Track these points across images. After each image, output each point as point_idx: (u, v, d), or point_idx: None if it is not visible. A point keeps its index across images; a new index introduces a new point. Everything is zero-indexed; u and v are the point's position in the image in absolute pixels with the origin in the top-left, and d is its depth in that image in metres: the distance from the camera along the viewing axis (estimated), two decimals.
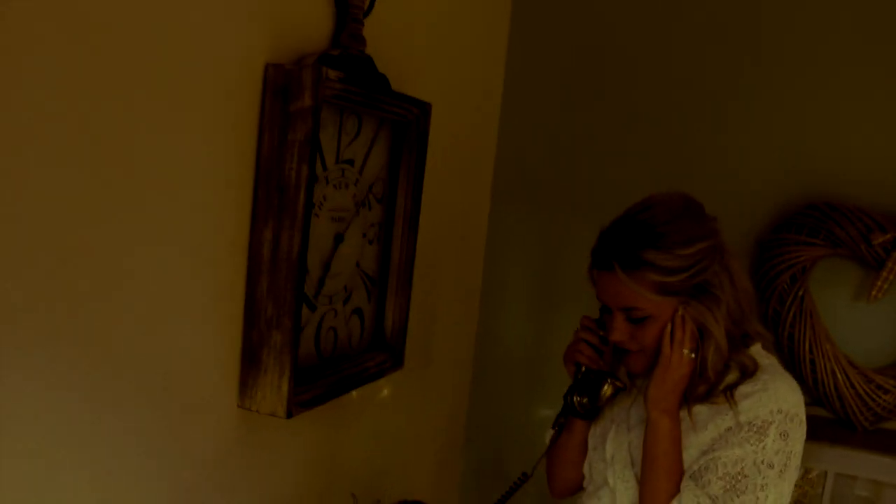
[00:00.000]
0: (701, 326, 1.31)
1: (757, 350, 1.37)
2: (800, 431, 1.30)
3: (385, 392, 1.75)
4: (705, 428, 1.31)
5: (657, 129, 2.13)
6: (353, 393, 1.60)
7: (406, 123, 1.55)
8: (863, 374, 1.87)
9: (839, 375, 1.86)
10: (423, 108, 1.55)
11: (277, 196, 1.22)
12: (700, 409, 1.33)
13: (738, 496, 1.25)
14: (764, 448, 1.25)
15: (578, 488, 1.51)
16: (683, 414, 1.33)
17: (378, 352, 1.59)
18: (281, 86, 1.21)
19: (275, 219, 1.23)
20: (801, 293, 1.88)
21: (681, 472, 1.30)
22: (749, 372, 1.32)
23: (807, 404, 1.95)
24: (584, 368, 1.43)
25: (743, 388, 1.30)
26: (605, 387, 1.37)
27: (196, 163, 1.13)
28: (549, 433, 1.47)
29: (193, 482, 1.23)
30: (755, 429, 1.26)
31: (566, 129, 2.24)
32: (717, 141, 2.06)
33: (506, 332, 2.33)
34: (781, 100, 2.00)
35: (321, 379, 1.38)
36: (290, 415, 1.25)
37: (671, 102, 2.10)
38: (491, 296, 2.31)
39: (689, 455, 1.31)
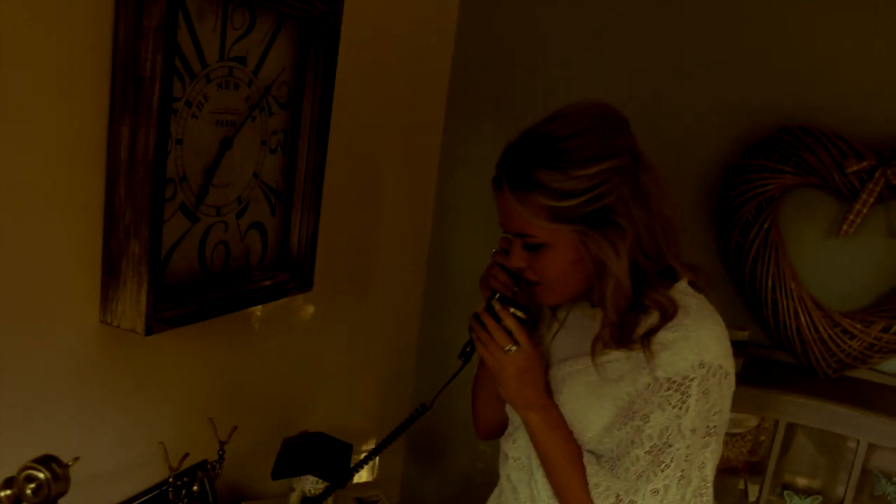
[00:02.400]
0: (598, 261, 1.19)
1: (682, 288, 1.24)
2: (725, 386, 1.19)
3: (301, 315, 1.68)
4: (621, 379, 1.21)
5: (626, 45, 1.99)
6: (257, 311, 1.54)
7: (312, 20, 1.43)
8: (828, 317, 1.76)
9: (802, 317, 1.75)
10: (332, 5, 1.43)
11: (133, 90, 1.14)
12: (616, 357, 1.22)
13: (661, 470, 1.15)
14: (687, 410, 1.15)
15: (504, 429, 1.43)
16: (595, 361, 1.23)
17: (280, 270, 1.51)
18: None
19: (131, 115, 1.15)
20: (766, 225, 1.76)
21: (580, 452, 1.22)
22: (668, 314, 1.19)
23: (767, 347, 1.88)
24: (497, 295, 1.33)
25: (662, 336, 1.17)
26: (507, 317, 1.26)
27: (47, 51, 1.05)
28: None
29: (55, 399, 1.18)
30: (675, 386, 1.15)
31: (530, 44, 2.10)
32: (686, 57, 1.93)
33: (462, 259, 2.23)
34: (755, 13, 1.85)
35: (198, 295, 1.31)
36: (149, 331, 1.19)
37: (638, 15, 1.96)
38: (445, 220, 2.22)
39: (604, 409, 1.22)
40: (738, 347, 1.71)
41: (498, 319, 1.26)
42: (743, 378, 1.72)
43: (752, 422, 1.92)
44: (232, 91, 1.33)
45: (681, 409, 1.15)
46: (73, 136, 1.13)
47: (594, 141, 1.15)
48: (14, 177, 1.05)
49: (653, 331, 1.19)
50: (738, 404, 1.47)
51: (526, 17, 2.09)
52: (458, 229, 2.22)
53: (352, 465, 1.41)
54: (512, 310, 1.27)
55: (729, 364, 1.20)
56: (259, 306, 1.53)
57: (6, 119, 1.02)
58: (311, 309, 1.70)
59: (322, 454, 1.46)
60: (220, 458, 1.25)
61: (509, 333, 1.24)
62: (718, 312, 1.26)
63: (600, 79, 2.00)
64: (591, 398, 1.24)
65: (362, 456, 1.29)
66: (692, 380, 1.15)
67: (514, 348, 1.23)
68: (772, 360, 1.88)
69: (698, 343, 1.16)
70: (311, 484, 1.50)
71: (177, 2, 1.11)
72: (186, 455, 1.16)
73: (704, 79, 1.91)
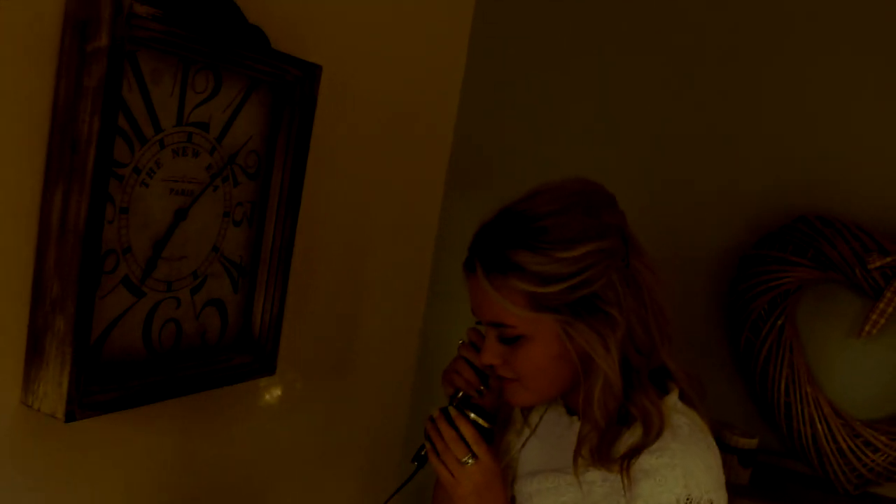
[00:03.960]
0: (584, 357, 1.06)
1: (672, 403, 1.10)
2: None
3: (267, 400, 1.56)
4: None
5: (635, 123, 1.89)
6: (216, 395, 1.42)
7: (285, 86, 1.36)
8: (849, 427, 1.60)
9: (819, 425, 1.60)
10: (308, 71, 1.36)
11: (70, 153, 1.05)
12: (592, 478, 1.08)
13: None
14: None
15: None
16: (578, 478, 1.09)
17: (238, 352, 1.40)
18: (80, 20, 1.04)
19: (65, 180, 1.06)
20: (780, 322, 1.62)
21: None
22: (653, 432, 1.05)
23: (780, 455, 1.72)
24: (460, 394, 1.21)
25: (645, 460, 1.03)
26: (464, 425, 1.13)
27: None
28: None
29: None
30: None
31: (538, 115, 2.01)
32: (700, 140, 1.82)
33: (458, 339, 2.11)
34: (773, 95, 1.74)
35: (137, 377, 1.20)
36: (70, 416, 1.08)
37: (649, 93, 1.86)
38: (443, 296, 2.10)
39: None
40: (745, 457, 1.57)
41: (455, 427, 1.13)
42: (751, 492, 1.57)
43: None
44: (190, 158, 1.25)
45: None
46: (3, 199, 1.04)
47: (577, 219, 1.04)
48: None
49: (635, 451, 1.05)
50: None
51: (534, 86, 2.01)
52: (458, 306, 2.10)
53: None
54: (473, 416, 1.14)
55: (721, 498, 1.05)
56: (217, 390, 1.42)
57: None
58: (277, 393, 1.58)
59: None
60: None
61: (467, 443, 1.11)
62: (711, 430, 1.12)
63: (607, 157, 1.90)
64: None
65: None
66: None
67: (471, 461, 1.09)
68: (785, 471, 1.71)
69: (686, 473, 1.02)
70: None
71: (119, 61, 1.03)
72: None
73: (718, 162, 1.81)
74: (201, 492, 1.46)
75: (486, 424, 1.14)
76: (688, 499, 1.01)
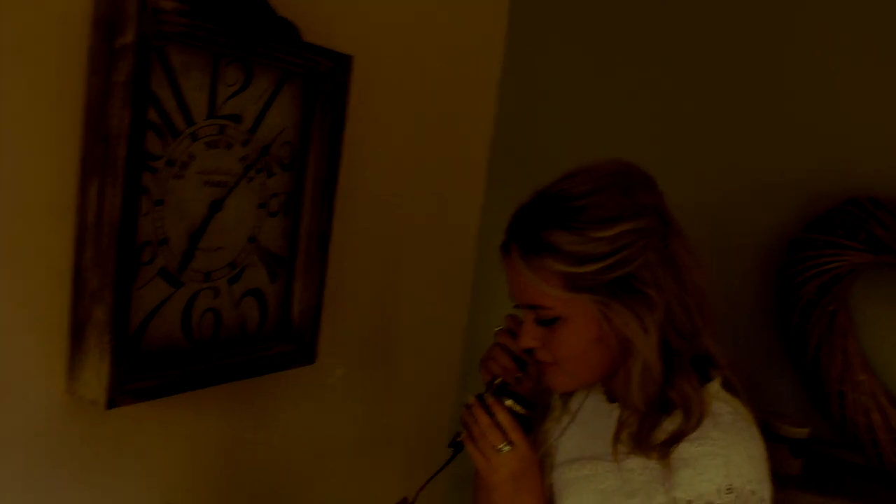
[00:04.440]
0: (622, 339, 1.05)
1: (715, 391, 1.07)
2: None
3: (308, 389, 1.58)
4: (633, 495, 1.05)
5: (682, 108, 1.85)
6: (256, 384, 1.45)
7: (318, 77, 1.37)
8: None
9: (875, 415, 1.54)
10: (339, 61, 1.37)
11: (102, 148, 1.09)
12: (631, 466, 1.06)
13: None
14: None
15: None
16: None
17: (278, 341, 1.42)
18: (106, 17, 1.07)
19: (99, 175, 1.09)
20: (831, 308, 1.57)
21: None
22: (693, 419, 1.03)
23: (834, 446, 1.66)
24: (497, 380, 1.20)
25: (685, 449, 1.02)
26: (500, 412, 1.12)
27: (17, 111, 1.02)
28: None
29: (18, 473, 1.12)
30: None
31: (581, 104, 1.99)
32: (748, 121, 1.77)
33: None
34: (825, 80, 1.69)
35: (177, 366, 1.23)
36: (112, 404, 1.12)
37: (697, 76, 1.82)
38: (487, 290, 2.10)
39: None
40: (796, 447, 1.53)
41: (492, 413, 1.12)
42: (803, 483, 1.53)
43: None
44: (223, 150, 1.27)
45: None
46: (43, 197, 1.09)
47: (613, 199, 1.02)
48: None
49: (674, 438, 1.03)
50: None
51: (577, 72, 1.98)
52: (502, 298, 2.10)
53: None
54: (509, 402, 1.14)
55: (765, 489, 1.01)
56: (258, 379, 1.44)
57: None
58: (317, 381, 1.60)
59: None
60: None
61: (503, 430, 1.10)
62: (756, 420, 1.09)
63: (653, 144, 1.86)
64: None
65: None
66: None
67: (507, 448, 1.09)
68: (840, 462, 1.66)
69: (727, 463, 1.00)
70: None
71: (146, 56, 1.06)
72: None
73: (766, 145, 1.75)
74: (242, 478, 1.49)
75: (522, 411, 1.13)
76: (729, 488, 0.98)
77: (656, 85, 1.88)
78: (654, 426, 1.05)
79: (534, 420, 1.21)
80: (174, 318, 1.26)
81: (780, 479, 1.50)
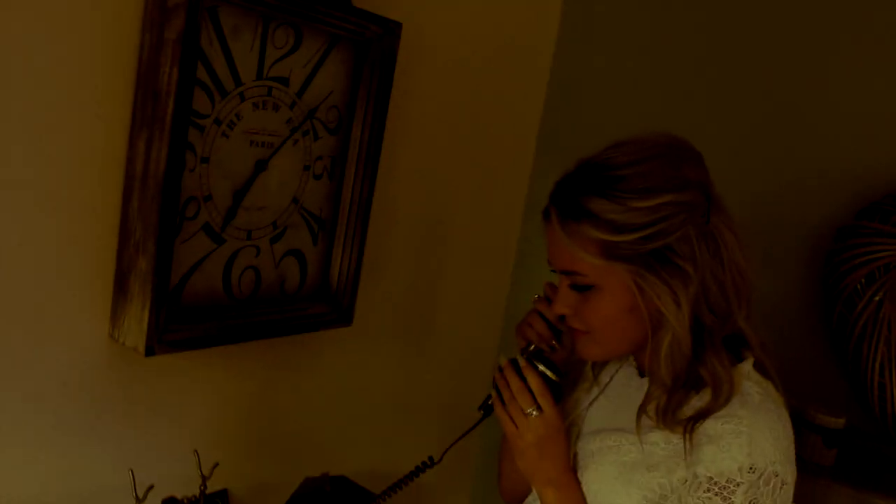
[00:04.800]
0: (655, 311, 1.05)
1: (746, 371, 1.07)
2: (779, 499, 1.00)
3: (343, 352, 1.62)
4: (655, 468, 1.06)
5: (734, 91, 1.82)
6: (292, 343, 1.49)
7: (364, 44, 1.39)
8: None
9: None
10: (388, 28, 1.39)
11: (152, 103, 1.12)
12: (655, 440, 1.07)
13: None
14: None
15: (528, 495, 1.30)
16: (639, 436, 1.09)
17: (316, 302, 1.46)
18: None
19: (148, 129, 1.13)
20: (877, 298, 1.54)
21: None
22: (722, 397, 1.03)
23: (874, 439, 1.64)
24: (532, 347, 1.22)
25: (710, 426, 1.02)
26: (532, 377, 1.13)
27: (75, 65, 1.07)
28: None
29: (60, 412, 1.18)
30: (717, 489, 0.99)
31: (632, 83, 1.97)
32: (802, 111, 1.74)
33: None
34: (880, 69, 1.65)
35: (215, 319, 1.28)
36: (150, 351, 1.17)
37: (751, 66, 1.79)
38: (530, 266, 2.10)
39: (631, 498, 1.07)
40: (830, 437, 1.51)
41: (523, 377, 1.14)
42: (835, 474, 1.51)
43: None
44: (270, 112, 1.30)
45: None
46: (95, 148, 1.13)
47: (657, 170, 1.02)
48: (34, 185, 1.07)
49: (701, 415, 1.03)
50: None
51: (631, 51, 1.97)
52: (545, 268, 2.10)
53: None
54: (541, 367, 1.15)
55: (787, 472, 1.01)
56: (294, 337, 1.48)
57: (30, 127, 1.05)
58: (354, 346, 1.63)
59: (335, 501, 1.39)
60: (202, 493, 1.20)
61: (533, 395, 1.12)
62: (786, 404, 1.08)
63: (706, 124, 1.83)
64: (619, 483, 1.09)
65: None
66: (738, 485, 0.98)
67: (535, 413, 1.10)
68: (877, 455, 1.63)
69: (751, 442, 0.99)
70: None
71: (196, 15, 1.09)
72: (151, 487, 1.11)
73: (821, 129, 1.72)
74: (276, 432, 1.54)
75: (554, 377, 1.14)
76: (751, 468, 0.98)
77: (709, 67, 1.85)
78: (682, 402, 1.06)
79: (564, 389, 1.22)
80: (215, 274, 1.30)
81: (812, 469, 1.51)
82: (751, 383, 1.06)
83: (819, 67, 1.72)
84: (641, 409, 1.09)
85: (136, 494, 1.06)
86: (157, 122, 1.12)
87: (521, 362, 1.14)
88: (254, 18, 1.23)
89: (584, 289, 1.07)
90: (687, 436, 1.02)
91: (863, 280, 1.55)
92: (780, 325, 1.74)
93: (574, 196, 1.04)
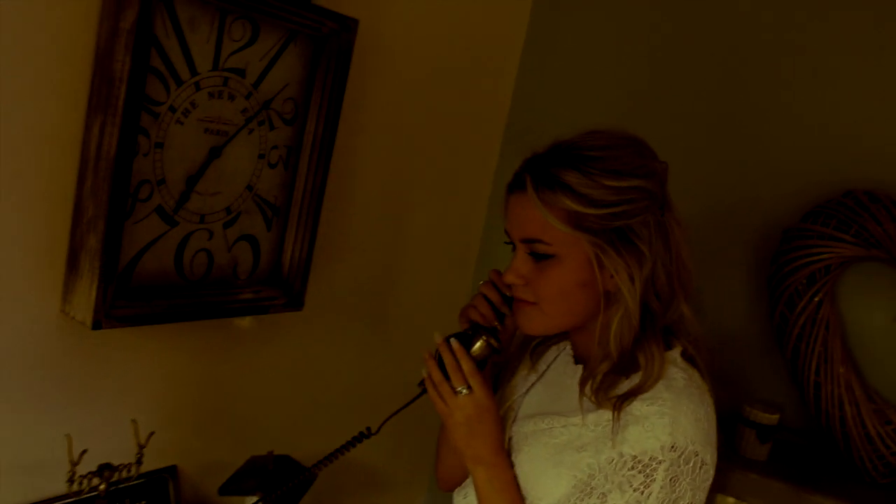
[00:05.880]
0: (608, 287, 1.12)
1: (673, 357, 1.15)
2: (698, 478, 1.08)
3: (293, 335, 1.68)
4: (583, 449, 1.13)
5: (687, 95, 1.90)
6: (242, 324, 1.56)
7: (321, 38, 1.46)
8: (881, 412, 1.57)
9: (847, 408, 1.58)
10: (344, 24, 1.46)
11: (106, 89, 1.20)
12: (586, 422, 1.14)
13: None
14: (649, 496, 1.06)
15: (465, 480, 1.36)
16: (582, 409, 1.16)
17: (268, 286, 1.53)
18: None
19: (102, 113, 1.21)
20: (817, 298, 1.60)
21: None
22: (650, 380, 1.11)
23: (805, 435, 1.70)
24: (470, 332, 1.28)
25: (636, 407, 1.09)
26: (478, 343, 1.19)
27: (30, 49, 1.14)
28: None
29: (5, 382, 1.25)
30: (640, 466, 1.06)
31: (594, 86, 2.04)
32: (755, 113, 1.81)
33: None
34: (828, 72, 1.72)
35: (165, 298, 1.35)
36: (97, 325, 1.24)
37: (702, 68, 1.87)
38: (495, 257, 2.17)
39: (561, 479, 1.14)
40: (764, 432, 1.58)
41: (456, 358, 1.20)
42: (767, 468, 1.57)
43: None
44: (226, 101, 1.37)
45: (642, 493, 1.06)
46: (53, 129, 1.21)
47: (627, 157, 1.12)
48: None
49: (629, 394, 1.11)
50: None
51: (593, 55, 2.04)
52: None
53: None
54: (478, 345, 1.20)
55: (707, 453, 1.09)
56: (245, 319, 1.55)
57: None
58: (306, 330, 1.70)
59: (276, 478, 1.45)
60: (139, 461, 1.27)
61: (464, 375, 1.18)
62: (710, 393, 1.16)
63: (662, 126, 1.90)
64: (549, 464, 1.16)
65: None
66: (660, 462, 1.06)
67: (465, 391, 1.17)
68: (810, 452, 1.70)
69: (674, 422, 1.07)
70: None
71: (151, 6, 1.16)
72: (85, 451, 1.19)
73: (770, 132, 1.79)
74: (227, 412, 1.61)
75: (495, 344, 1.19)
76: (672, 447, 1.05)
77: (663, 72, 1.92)
78: (614, 383, 1.13)
79: (502, 369, 1.29)
80: (168, 255, 1.37)
81: (746, 464, 1.57)
82: (677, 369, 1.14)
83: (772, 74, 1.79)
84: (583, 383, 1.16)
85: (71, 457, 1.13)
86: (111, 107, 1.19)
87: (454, 343, 1.20)
88: (210, 11, 1.30)
89: (542, 258, 1.13)
90: (615, 413, 1.09)
91: (804, 281, 1.61)
92: (731, 324, 1.82)
93: (550, 168, 1.11)
